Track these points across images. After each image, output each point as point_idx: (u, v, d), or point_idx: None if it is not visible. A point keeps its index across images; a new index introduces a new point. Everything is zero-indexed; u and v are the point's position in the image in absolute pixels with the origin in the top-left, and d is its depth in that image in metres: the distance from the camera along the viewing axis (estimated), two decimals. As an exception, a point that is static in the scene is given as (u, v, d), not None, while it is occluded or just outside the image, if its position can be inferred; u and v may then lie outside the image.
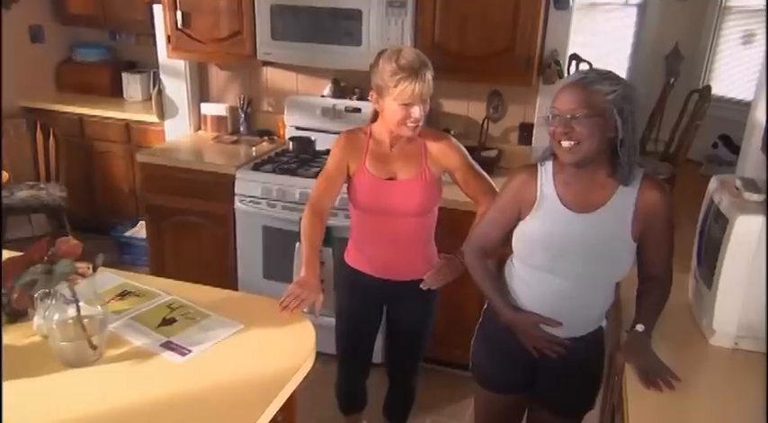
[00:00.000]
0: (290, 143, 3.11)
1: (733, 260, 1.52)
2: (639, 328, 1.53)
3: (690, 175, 4.52)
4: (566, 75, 2.86)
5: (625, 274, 1.59)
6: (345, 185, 1.96)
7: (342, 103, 3.10)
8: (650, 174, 1.55)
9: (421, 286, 1.94)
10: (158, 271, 3.09)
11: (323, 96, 3.20)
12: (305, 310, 1.70)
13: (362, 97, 3.12)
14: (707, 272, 1.64)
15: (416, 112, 1.76)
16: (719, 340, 1.60)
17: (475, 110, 3.04)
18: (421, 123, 1.81)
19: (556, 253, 1.54)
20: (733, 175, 1.78)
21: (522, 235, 1.61)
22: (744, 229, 1.50)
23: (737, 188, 1.61)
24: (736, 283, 1.53)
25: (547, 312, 1.60)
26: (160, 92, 3.48)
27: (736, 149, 4.58)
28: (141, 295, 1.73)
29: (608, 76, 1.47)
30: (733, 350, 1.58)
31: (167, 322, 1.61)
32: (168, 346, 1.51)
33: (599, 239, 1.53)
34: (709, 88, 4.35)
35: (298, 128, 3.20)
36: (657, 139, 5.07)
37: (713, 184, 1.72)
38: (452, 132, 2.87)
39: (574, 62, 3.92)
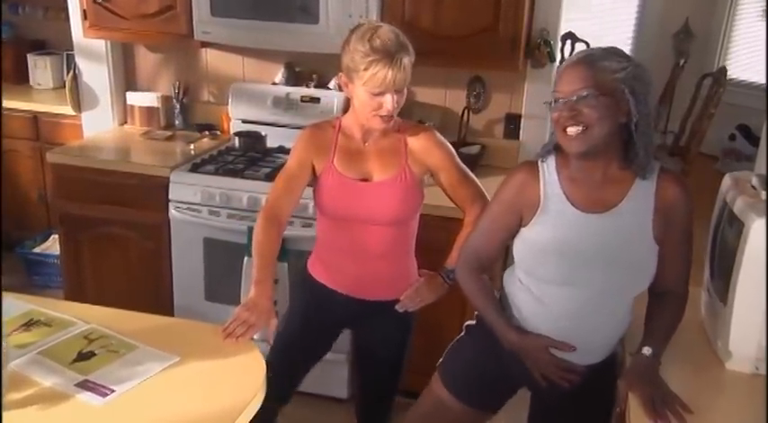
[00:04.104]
0: (236, 139, 3.10)
1: (750, 271, 1.56)
2: (646, 351, 1.57)
3: (703, 172, 4.63)
4: (558, 57, 2.92)
5: (649, 282, 1.62)
6: (308, 189, 1.95)
7: (297, 92, 3.09)
8: (667, 167, 1.59)
9: (397, 308, 1.95)
10: (75, 294, 3.04)
11: (274, 84, 3.19)
12: (255, 337, 1.69)
13: (321, 84, 3.13)
14: (721, 284, 1.68)
15: (389, 102, 1.77)
16: (737, 364, 1.64)
17: (453, 99, 3.07)
18: (395, 114, 1.82)
19: (568, 262, 1.57)
20: (750, 172, 1.83)
21: (528, 244, 1.63)
22: (761, 234, 1.53)
23: (754, 187, 1.66)
24: (754, 297, 1.57)
25: (560, 333, 1.61)
26: (76, 78, 3.42)
27: (756, 141, 4.71)
28: (52, 325, 1.70)
29: (616, 52, 1.51)
30: (752, 376, 1.62)
31: (84, 357, 1.58)
32: (85, 385, 1.49)
33: (619, 243, 1.56)
34: (724, 71, 4.46)
35: (245, 121, 3.18)
36: (666, 130, 5.19)
37: (727, 181, 1.77)
38: (428, 125, 2.89)
39: (568, 42, 3.98)
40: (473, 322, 1.83)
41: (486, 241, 1.71)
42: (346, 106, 1.94)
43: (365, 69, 1.73)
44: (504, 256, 1.94)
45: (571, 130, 1.50)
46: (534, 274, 1.63)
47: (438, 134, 1.96)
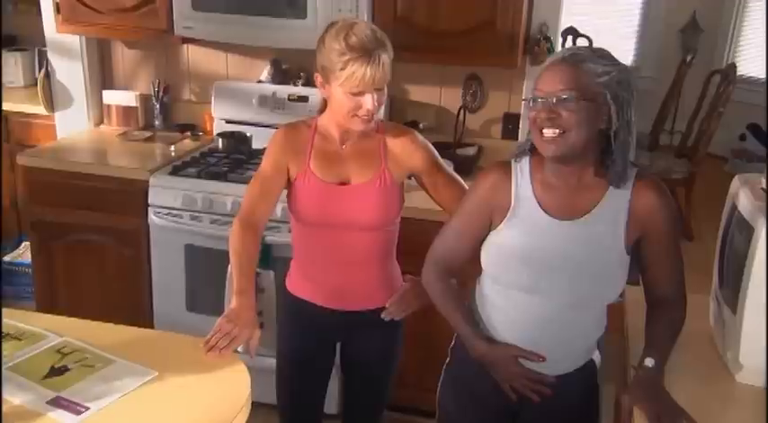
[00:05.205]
0: (219, 140, 3.10)
1: (760, 278, 1.56)
2: (649, 362, 1.57)
3: (712, 174, 4.66)
4: (558, 53, 2.93)
5: (618, 293, 1.64)
6: (285, 192, 1.96)
7: (284, 91, 3.10)
8: (644, 172, 1.61)
9: (382, 316, 1.96)
10: (48, 306, 3.03)
11: (260, 82, 3.20)
12: (238, 349, 1.69)
13: (309, 82, 3.13)
14: (730, 293, 1.68)
15: (368, 102, 1.77)
16: (748, 377, 1.64)
17: (449, 98, 3.08)
18: (377, 116, 1.83)
19: (536, 269, 1.58)
20: (761, 174, 1.83)
21: (494, 248, 1.64)
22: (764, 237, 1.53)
23: (764, 189, 1.66)
24: (765, 306, 1.57)
25: (528, 343, 1.63)
26: (48, 76, 3.42)
27: None
28: (23, 338, 1.70)
29: (602, 55, 1.52)
30: (765, 389, 1.62)
31: (57, 372, 1.57)
32: (58, 402, 1.48)
33: (588, 251, 1.58)
34: (733, 67, 4.50)
35: (228, 121, 3.19)
36: (673, 130, 5.22)
37: (736, 184, 1.78)
38: (422, 125, 2.92)
39: (569, 38, 4.01)
40: (448, 359, 1.84)
41: (455, 244, 1.72)
42: (322, 107, 1.95)
43: (342, 69, 1.74)
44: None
45: (547, 133, 1.51)
46: (501, 281, 1.65)
47: (419, 135, 1.97)
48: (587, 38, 4.11)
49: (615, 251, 1.59)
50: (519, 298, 1.62)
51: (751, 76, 5.56)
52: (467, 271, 1.76)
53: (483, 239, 1.67)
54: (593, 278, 1.59)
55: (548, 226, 1.58)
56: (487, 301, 1.69)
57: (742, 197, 1.70)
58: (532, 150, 1.61)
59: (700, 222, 4.36)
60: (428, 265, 1.77)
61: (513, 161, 1.65)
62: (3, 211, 3.63)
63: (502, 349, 1.65)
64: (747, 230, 1.61)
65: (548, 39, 2.85)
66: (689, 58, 5.05)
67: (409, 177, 1.99)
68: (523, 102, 1.58)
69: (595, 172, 1.58)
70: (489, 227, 1.66)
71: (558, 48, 2.96)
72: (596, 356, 1.74)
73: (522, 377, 1.63)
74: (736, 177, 1.80)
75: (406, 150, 1.92)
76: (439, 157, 1.98)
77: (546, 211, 1.59)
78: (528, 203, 1.60)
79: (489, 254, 1.65)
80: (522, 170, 1.63)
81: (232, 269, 1.85)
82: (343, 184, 1.90)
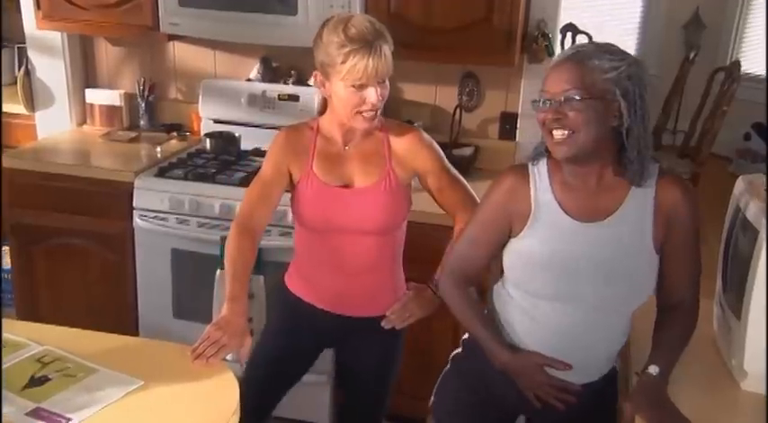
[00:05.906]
0: (207, 141, 3.10)
1: (765, 282, 1.56)
2: (653, 369, 1.57)
3: (716, 175, 4.67)
4: (557, 51, 2.94)
5: (648, 295, 1.64)
6: (285, 195, 1.96)
7: (274, 89, 3.11)
8: (667, 170, 1.61)
9: (383, 324, 1.95)
10: (28, 313, 3.03)
11: (249, 80, 3.21)
12: (228, 357, 1.69)
13: (300, 81, 3.14)
14: (734, 298, 1.69)
15: (372, 95, 1.77)
16: (753, 384, 1.65)
17: (444, 97, 3.09)
18: (380, 111, 1.83)
19: (561, 275, 1.58)
20: (765, 175, 1.84)
21: (517, 255, 1.64)
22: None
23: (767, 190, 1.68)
24: (769, 310, 1.58)
25: (552, 349, 1.63)
26: (29, 74, 3.42)
27: (772, 141, 4.75)
28: (1, 347, 1.66)
29: (609, 50, 1.52)
30: (766, 398, 1.62)
31: (37, 382, 1.57)
32: (38, 414, 1.47)
33: (615, 254, 1.57)
34: (738, 65, 4.51)
35: (216, 121, 3.19)
36: (675, 129, 5.23)
37: (740, 185, 1.79)
38: (417, 125, 2.91)
39: (569, 34, 4.02)
40: (459, 350, 1.84)
41: (472, 252, 1.72)
42: (323, 108, 1.95)
43: (343, 62, 1.73)
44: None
45: (557, 134, 1.52)
46: (524, 288, 1.65)
47: (425, 134, 1.97)
48: (587, 34, 4.13)
49: (643, 252, 1.59)
50: (543, 305, 1.62)
51: (755, 74, 5.57)
52: (484, 278, 1.76)
53: (501, 245, 1.67)
54: (621, 282, 1.59)
55: (571, 230, 1.58)
56: (509, 305, 1.69)
57: (746, 199, 1.70)
58: (549, 152, 1.61)
59: (703, 224, 4.36)
60: (444, 274, 1.77)
61: (530, 164, 1.64)
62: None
63: (525, 357, 1.64)
64: (752, 233, 1.61)
65: (546, 36, 2.85)
66: (692, 55, 5.06)
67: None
68: (532, 103, 1.57)
69: (615, 171, 1.58)
70: (508, 233, 1.65)
71: (557, 45, 2.97)
72: (616, 362, 1.75)
73: (547, 385, 1.63)
74: (741, 178, 1.81)
75: (411, 150, 1.92)
76: (445, 159, 1.97)
77: (568, 214, 1.59)
78: (549, 208, 1.60)
79: (511, 260, 1.65)
80: (539, 173, 1.62)
81: (226, 274, 1.85)
82: (346, 186, 1.90)
